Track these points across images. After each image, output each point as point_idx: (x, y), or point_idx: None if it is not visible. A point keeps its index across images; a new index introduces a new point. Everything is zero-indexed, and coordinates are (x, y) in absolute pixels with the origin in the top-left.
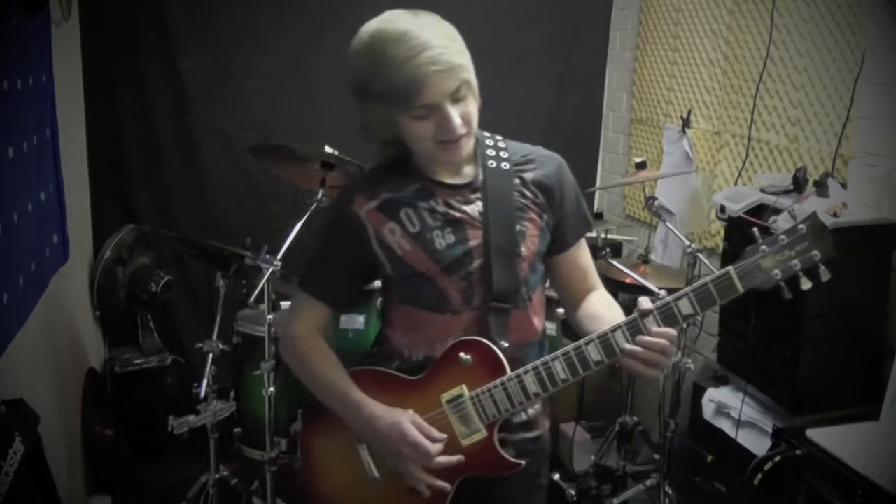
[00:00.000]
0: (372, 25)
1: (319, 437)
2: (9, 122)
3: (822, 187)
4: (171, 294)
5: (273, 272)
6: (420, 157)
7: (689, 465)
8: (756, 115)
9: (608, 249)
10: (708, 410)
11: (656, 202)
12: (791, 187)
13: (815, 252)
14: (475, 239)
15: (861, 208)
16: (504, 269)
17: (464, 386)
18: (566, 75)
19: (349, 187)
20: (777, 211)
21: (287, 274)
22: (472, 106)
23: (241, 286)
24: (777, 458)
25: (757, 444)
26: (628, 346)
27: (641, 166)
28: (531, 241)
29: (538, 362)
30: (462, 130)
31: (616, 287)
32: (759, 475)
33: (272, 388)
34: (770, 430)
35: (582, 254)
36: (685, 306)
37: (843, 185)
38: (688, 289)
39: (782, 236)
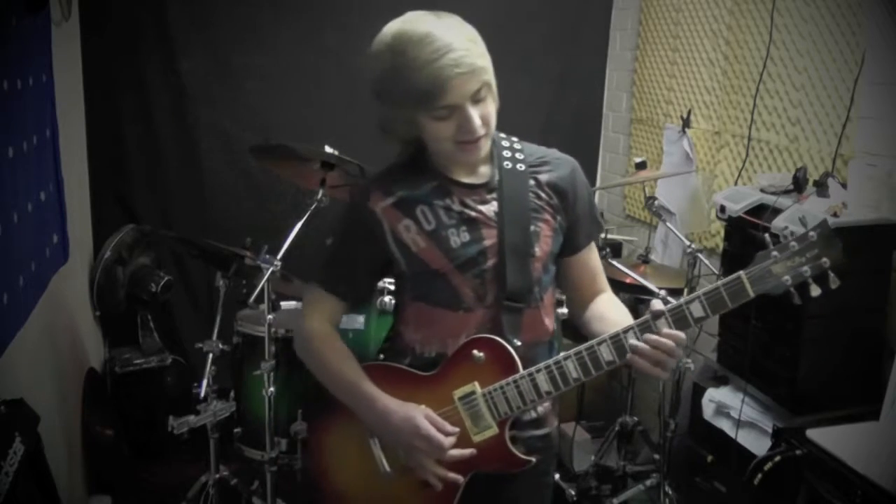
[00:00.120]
0: (394, 26)
1: (328, 433)
2: (9, 122)
3: (822, 187)
4: (171, 294)
5: (273, 272)
6: (437, 156)
7: (689, 465)
8: (756, 115)
9: (608, 249)
10: (708, 410)
11: (656, 202)
12: (791, 187)
13: (824, 259)
14: (490, 238)
15: (861, 208)
16: (518, 269)
17: (476, 383)
18: (566, 75)
19: (366, 184)
20: (777, 211)
21: (287, 274)
22: (492, 107)
23: (241, 286)
24: (777, 458)
25: (757, 444)
26: (635, 342)
27: (641, 166)
28: (545, 241)
29: (550, 361)
30: (481, 131)
31: (616, 287)
32: (759, 475)
33: (272, 388)
34: (770, 430)
35: (592, 256)
36: (697, 309)
37: (843, 185)
38: (700, 292)
39: (793, 243)
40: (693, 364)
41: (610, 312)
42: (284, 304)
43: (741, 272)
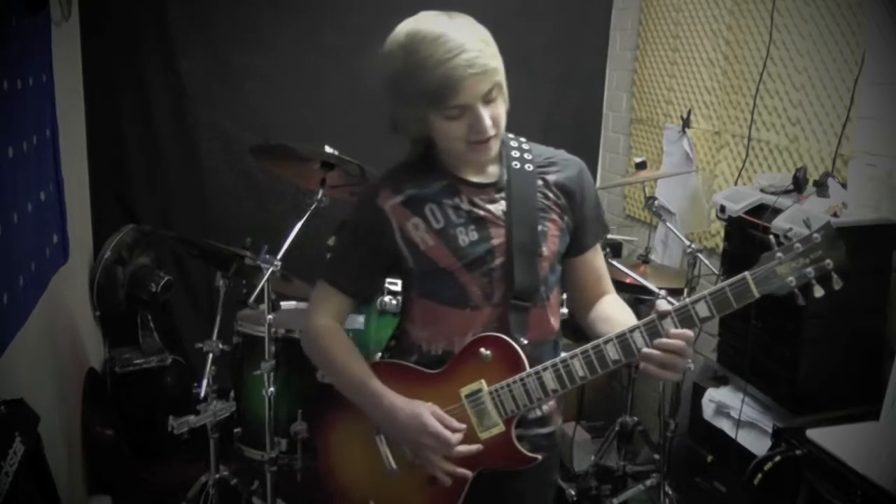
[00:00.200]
0: (407, 26)
1: (334, 430)
2: (9, 122)
3: (822, 187)
4: (171, 294)
5: (273, 272)
6: (447, 156)
7: (689, 465)
8: (756, 115)
9: (608, 249)
10: (708, 410)
11: (656, 202)
12: (791, 187)
13: (828, 261)
14: (498, 237)
15: (861, 208)
16: (525, 268)
17: (483, 381)
18: (566, 75)
19: (375, 182)
20: (777, 211)
21: (287, 274)
22: (502, 108)
23: (241, 286)
24: (777, 458)
25: (757, 444)
26: (646, 350)
27: (641, 166)
28: (552, 241)
29: (557, 360)
30: (492, 132)
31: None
32: (759, 475)
33: (272, 388)
34: (770, 430)
35: (597, 257)
36: (702, 309)
37: (843, 185)
38: (705, 292)
39: (797, 244)
40: (693, 364)
41: (615, 314)
42: (284, 304)
43: (746, 273)
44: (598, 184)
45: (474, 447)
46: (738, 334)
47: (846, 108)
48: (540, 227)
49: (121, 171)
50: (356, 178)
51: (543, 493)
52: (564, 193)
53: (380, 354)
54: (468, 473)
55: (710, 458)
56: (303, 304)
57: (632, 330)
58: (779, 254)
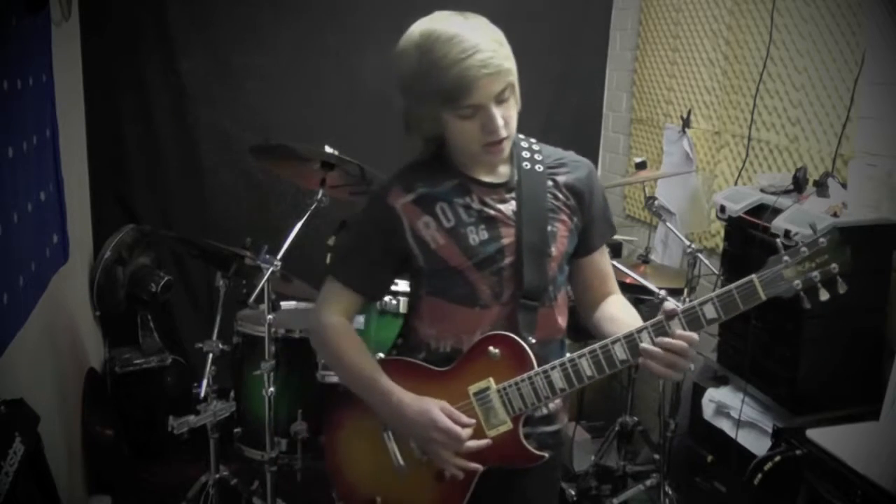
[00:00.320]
0: (422, 25)
1: (342, 428)
2: (9, 122)
3: (822, 187)
4: (171, 294)
5: (273, 272)
6: (458, 155)
7: (689, 465)
8: (756, 115)
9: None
10: (708, 410)
11: (656, 202)
12: (791, 187)
13: (833, 265)
14: (508, 237)
15: (861, 208)
16: (534, 268)
17: (491, 379)
18: (566, 75)
19: (387, 180)
20: (777, 211)
21: (287, 274)
22: (514, 109)
23: (241, 286)
24: (777, 458)
25: (757, 444)
26: (646, 346)
27: (641, 166)
28: (561, 241)
29: (565, 359)
30: (504, 133)
31: None
32: (759, 475)
33: (272, 388)
34: (770, 430)
35: (604, 258)
36: (709, 311)
37: (843, 185)
38: (712, 294)
39: (804, 248)
40: (693, 364)
41: (621, 314)
42: (284, 304)
43: (753, 275)
44: None
45: (483, 442)
46: (738, 334)
47: (846, 108)
48: (549, 228)
49: (121, 171)
50: (356, 178)
51: (548, 490)
52: (574, 194)
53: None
54: (479, 466)
55: (710, 458)
56: (303, 304)
57: (640, 330)
58: (785, 257)
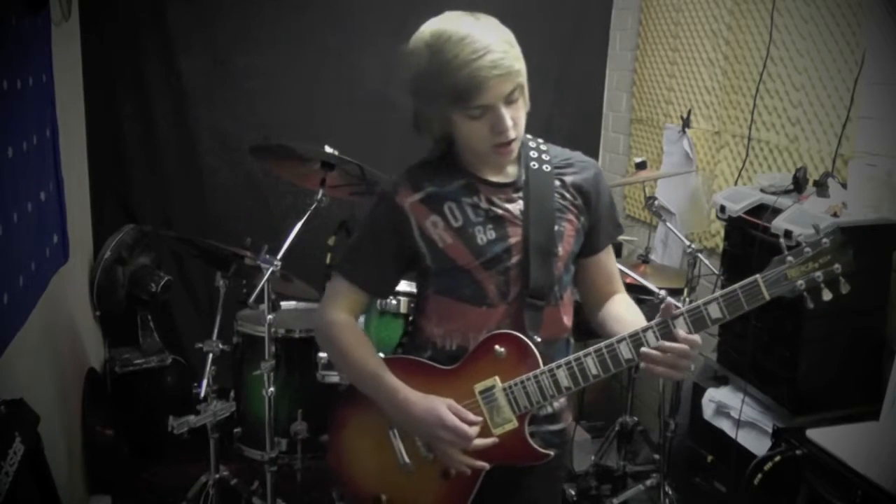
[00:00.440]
0: (433, 25)
1: (347, 426)
2: (9, 122)
3: (822, 187)
4: (171, 294)
5: (273, 272)
6: (467, 155)
7: (689, 465)
8: (756, 115)
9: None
10: (708, 410)
11: (656, 202)
12: (791, 187)
13: (836, 265)
14: (515, 236)
15: (861, 208)
16: (541, 267)
17: (497, 378)
18: (566, 75)
19: (395, 179)
20: (777, 211)
21: (287, 274)
22: (523, 110)
23: (241, 286)
24: (777, 458)
25: (757, 444)
26: (647, 350)
27: (641, 166)
28: (567, 241)
29: (570, 357)
30: (512, 133)
31: None
32: (759, 475)
33: (272, 388)
34: (770, 430)
35: (609, 257)
36: (714, 310)
37: (843, 185)
38: (717, 294)
39: (807, 249)
40: (694, 365)
41: (627, 313)
42: (284, 304)
43: (757, 275)
44: None
45: (490, 440)
46: (738, 334)
47: (846, 108)
48: (556, 227)
49: (121, 171)
50: (356, 178)
51: (552, 489)
52: (581, 194)
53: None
54: (485, 465)
55: (710, 458)
56: (303, 304)
57: (645, 330)
58: (789, 258)
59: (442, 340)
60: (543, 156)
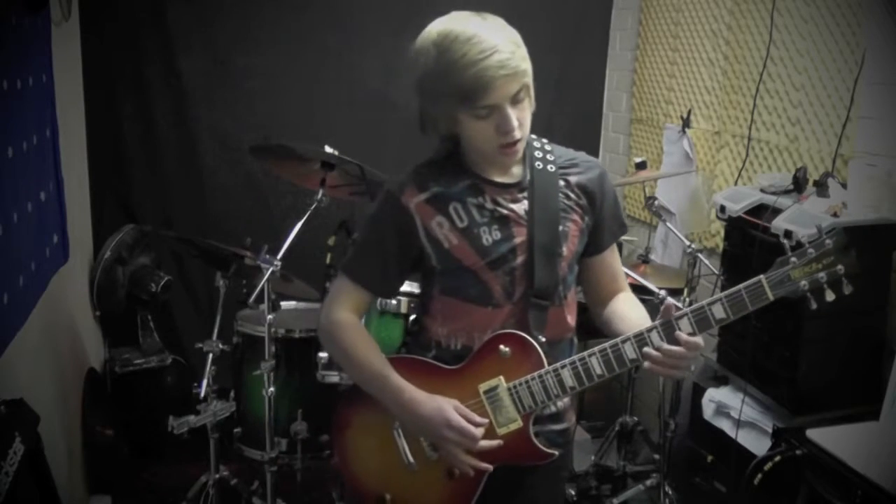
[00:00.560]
0: (440, 25)
1: (351, 426)
2: (9, 122)
3: (822, 187)
4: (171, 294)
5: (273, 272)
6: (472, 155)
7: (689, 465)
8: (756, 115)
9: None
10: (708, 410)
11: (656, 202)
12: (791, 187)
13: (839, 266)
14: (520, 236)
15: (861, 208)
16: (545, 267)
17: (501, 377)
18: (566, 75)
19: (401, 178)
20: (777, 211)
21: (287, 274)
22: (528, 111)
23: (241, 286)
24: (777, 458)
25: (757, 444)
26: (648, 350)
27: (641, 166)
28: (572, 241)
29: (575, 357)
30: (518, 134)
31: None
32: (759, 475)
33: (272, 388)
34: (770, 430)
35: (614, 256)
36: (718, 311)
37: (843, 185)
38: (721, 294)
39: (810, 250)
40: (695, 365)
41: (631, 312)
42: (284, 304)
43: (761, 276)
44: None
45: (494, 442)
46: (738, 334)
47: (846, 108)
48: (561, 228)
49: (121, 171)
50: (356, 178)
51: (556, 488)
52: (585, 194)
53: (405, 349)
54: (489, 466)
55: (710, 458)
56: (303, 304)
57: (649, 330)
58: (793, 258)
59: (446, 340)
60: (548, 156)
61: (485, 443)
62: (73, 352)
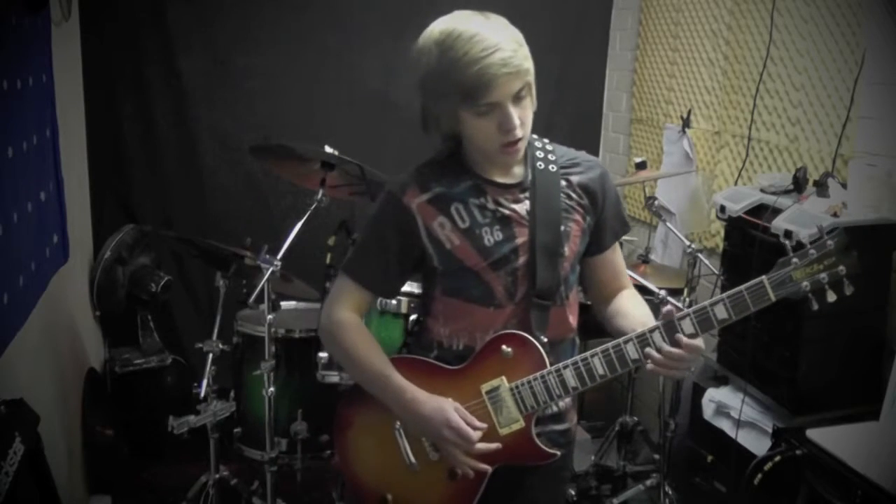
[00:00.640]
0: (442, 23)
1: (351, 425)
2: (9, 122)
3: (822, 187)
4: (171, 294)
5: (273, 272)
6: (474, 155)
7: (689, 465)
8: (756, 115)
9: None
10: (708, 410)
11: (656, 202)
12: (791, 187)
13: (841, 267)
14: (522, 236)
15: (861, 208)
16: (547, 267)
17: (504, 377)
18: (566, 75)
19: (403, 178)
20: (777, 211)
21: (287, 274)
22: (530, 110)
23: (241, 286)
24: (777, 458)
25: (757, 444)
26: (649, 350)
27: (641, 166)
28: (574, 241)
29: (577, 357)
30: (520, 132)
31: None
32: (759, 475)
33: (272, 388)
34: (770, 430)
35: (616, 254)
36: (720, 311)
37: (843, 185)
38: (723, 295)
39: (812, 250)
40: (694, 366)
41: (634, 309)
42: (284, 304)
43: (763, 277)
44: None
45: (493, 445)
46: (738, 334)
47: (846, 108)
48: (563, 228)
49: (121, 171)
50: (356, 178)
51: (557, 488)
52: (587, 194)
53: (406, 350)
54: (488, 468)
55: (710, 458)
56: (303, 304)
57: (651, 330)
58: (794, 259)
59: (448, 340)
60: (549, 156)
61: (483, 445)
62: (73, 352)
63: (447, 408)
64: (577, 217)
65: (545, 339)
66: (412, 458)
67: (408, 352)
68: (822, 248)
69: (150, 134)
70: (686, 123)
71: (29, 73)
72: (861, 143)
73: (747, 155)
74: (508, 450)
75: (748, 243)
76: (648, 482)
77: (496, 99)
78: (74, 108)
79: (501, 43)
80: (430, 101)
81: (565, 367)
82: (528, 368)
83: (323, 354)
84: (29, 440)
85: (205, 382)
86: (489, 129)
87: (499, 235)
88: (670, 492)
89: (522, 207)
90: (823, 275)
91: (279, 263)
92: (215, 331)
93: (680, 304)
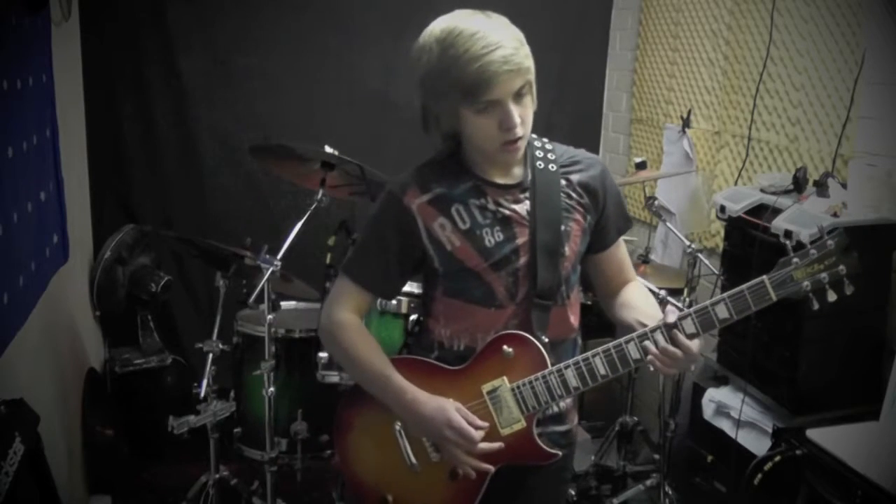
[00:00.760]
0: (443, 22)
1: (352, 426)
2: (9, 122)
3: (822, 187)
4: (171, 294)
5: (273, 272)
6: (474, 155)
7: (689, 465)
8: (756, 115)
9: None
10: (708, 410)
11: (656, 202)
12: (791, 187)
13: (841, 267)
14: (522, 237)
15: (861, 208)
16: (548, 267)
17: (505, 377)
18: (566, 75)
19: (403, 179)
20: (777, 211)
21: (287, 274)
22: (530, 109)
23: (241, 286)
24: (777, 458)
25: (757, 444)
26: (648, 344)
27: (641, 166)
28: (574, 241)
29: (579, 358)
30: (520, 131)
31: None
32: (759, 475)
33: (272, 388)
34: (770, 430)
35: (620, 249)
36: (721, 311)
37: (843, 185)
38: (724, 294)
39: (812, 250)
40: (694, 364)
41: (638, 301)
42: (284, 304)
43: (764, 276)
44: None
45: (495, 445)
46: (738, 334)
47: (846, 108)
48: (563, 227)
49: (121, 171)
50: (356, 178)
51: (558, 489)
52: (588, 193)
53: (406, 350)
54: (490, 468)
55: (710, 458)
56: (303, 304)
57: (653, 330)
58: (795, 259)
59: (449, 341)
60: (549, 155)
61: (485, 445)
62: (73, 352)
63: (448, 408)
64: (578, 216)
65: (546, 339)
66: (413, 459)
67: (408, 352)
68: (822, 247)
69: (150, 134)
70: (686, 123)
71: (29, 73)
72: (861, 143)
73: (747, 155)
74: (510, 450)
75: (748, 243)
76: (648, 482)
77: (497, 96)
78: (74, 108)
79: (503, 41)
80: (431, 100)
81: (567, 367)
82: (529, 368)
83: (323, 354)
84: (29, 440)
85: (205, 382)
86: (490, 127)
87: (499, 236)
88: (670, 492)
89: (523, 208)
90: (824, 274)
91: (279, 263)
92: (215, 331)
93: (680, 305)
